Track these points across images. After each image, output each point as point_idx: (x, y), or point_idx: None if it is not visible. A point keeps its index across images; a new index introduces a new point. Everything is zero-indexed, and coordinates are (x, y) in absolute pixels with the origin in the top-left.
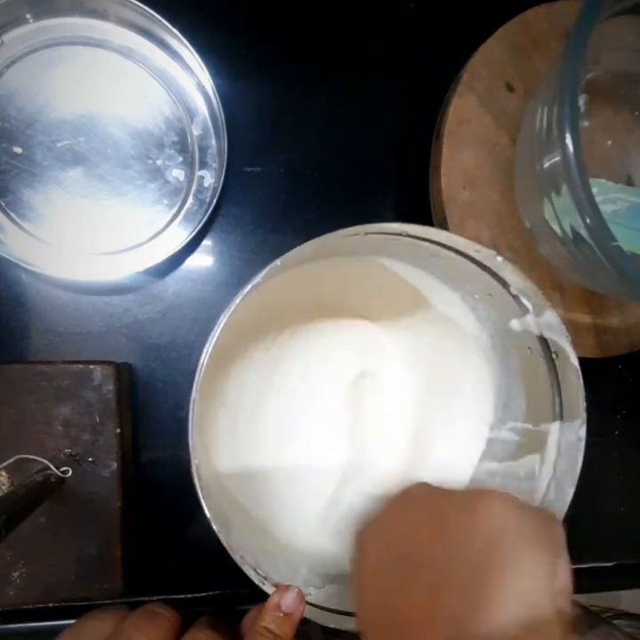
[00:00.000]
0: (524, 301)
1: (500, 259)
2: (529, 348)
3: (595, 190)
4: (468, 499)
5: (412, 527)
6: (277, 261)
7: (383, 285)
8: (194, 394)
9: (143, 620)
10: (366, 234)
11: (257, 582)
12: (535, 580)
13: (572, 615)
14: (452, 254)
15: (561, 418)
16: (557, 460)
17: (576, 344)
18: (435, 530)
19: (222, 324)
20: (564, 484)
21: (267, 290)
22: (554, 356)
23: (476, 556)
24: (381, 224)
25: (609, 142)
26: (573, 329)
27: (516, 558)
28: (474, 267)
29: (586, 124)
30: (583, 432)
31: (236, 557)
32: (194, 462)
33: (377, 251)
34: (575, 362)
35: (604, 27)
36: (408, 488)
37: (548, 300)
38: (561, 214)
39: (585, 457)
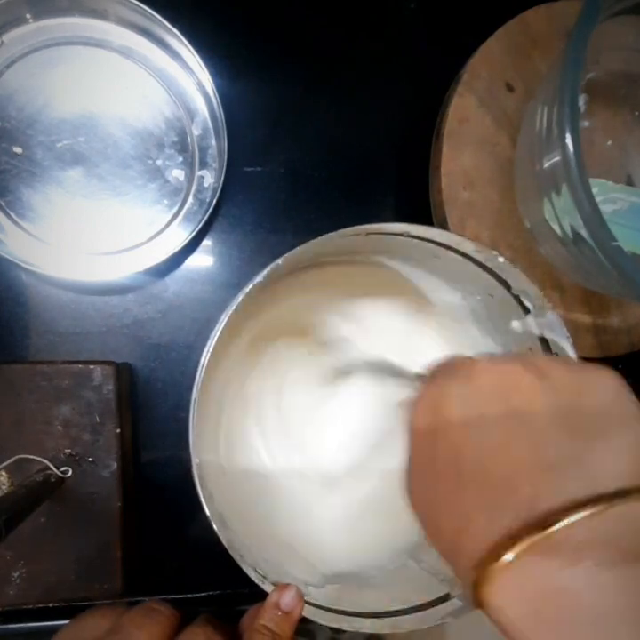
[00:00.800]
0: (525, 302)
1: (501, 259)
2: (530, 348)
3: (595, 190)
4: (578, 366)
5: (514, 383)
6: (279, 260)
7: (383, 285)
8: (195, 393)
9: (141, 617)
10: (368, 234)
11: (256, 581)
12: None
13: None
14: (453, 255)
15: None
16: None
17: (576, 344)
18: (542, 388)
19: (224, 323)
20: None
21: (267, 290)
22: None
23: (588, 412)
24: (383, 224)
25: (609, 142)
26: (573, 329)
27: (634, 420)
28: (475, 267)
29: (586, 123)
30: None
31: (236, 556)
32: (194, 461)
33: (378, 251)
34: None
35: (604, 27)
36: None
37: (548, 300)
38: (561, 214)
39: None
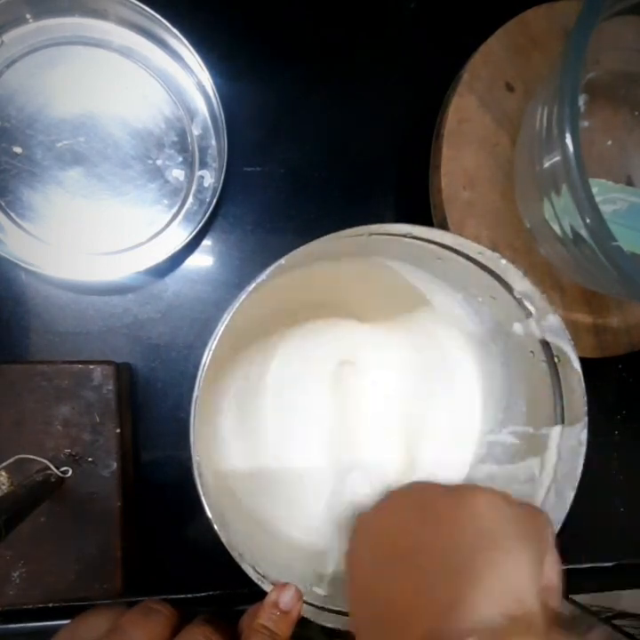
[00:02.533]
0: (527, 305)
1: (503, 261)
2: (531, 351)
3: (595, 190)
4: (457, 493)
5: (402, 520)
6: (282, 260)
7: (383, 285)
8: (196, 392)
9: (140, 616)
10: (370, 234)
11: (256, 580)
12: (520, 576)
13: (561, 612)
14: (455, 256)
15: (562, 422)
16: (558, 464)
17: (576, 344)
18: (424, 522)
19: (226, 322)
20: (565, 488)
21: (266, 291)
22: (556, 359)
23: (463, 549)
24: (386, 225)
25: (609, 142)
26: (573, 329)
27: (502, 553)
28: (477, 269)
29: (586, 124)
30: (584, 436)
31: (235, 555)
32: (195, 459)
33: (379, 251)
34: (577, 366)
35: (604, 27)
36: (402, 485)
37: (549, 301)
38: (561, 214)
39: (585, 457)
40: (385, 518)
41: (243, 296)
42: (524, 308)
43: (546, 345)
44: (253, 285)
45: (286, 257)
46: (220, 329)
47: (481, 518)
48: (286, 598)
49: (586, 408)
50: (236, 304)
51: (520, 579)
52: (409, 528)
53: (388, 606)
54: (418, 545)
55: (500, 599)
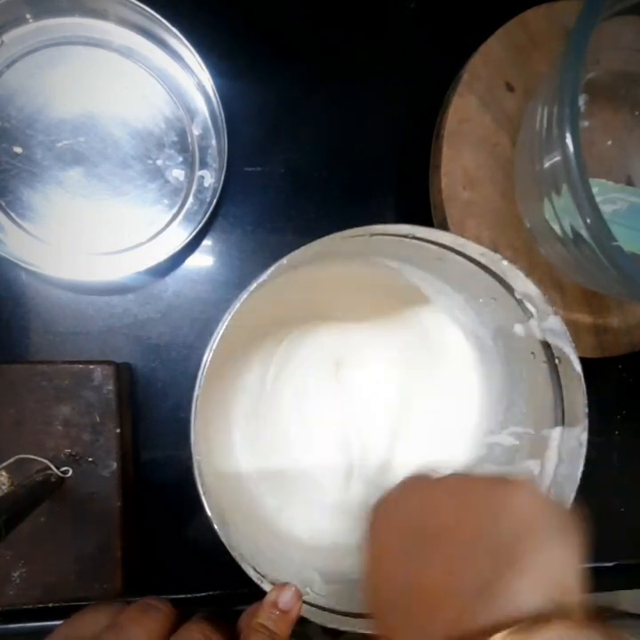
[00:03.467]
0: (528, 306)
1: (504, 262)
2: (532, 352)
3: (595, 190)
4: (495, 481)
5: (434, 504)
6: (284, 260)
7: (384, 286)
8: (197, 391)
9: (139, 613)
10: (372, 235)
11: (255, 580)
12: (563, 564)
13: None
14: (456, 257)
15: (562, 423)
16: (558, 466)
17: (576, 344)
18: (459, 506)
19: (227, 322)
20: (565, 489)
21: (266, 291)
22: (557, 361)
23: (505, 534)
24: (387, 225)
25: (609, 142)
26: (574, 329)
27: (544, 540)
28: (478, 270)
29: (586, 123)
30: (584, 438)
31: (235, 555)
32: (195, 459)
33: (380, 251)
34: (578, 368)
35: (604, 27)
36: (423, 471)
37: (549, 301)
38: (561, 214)
39: (585, 457)
40: (413, 502)
41: (244, 296)
42: (525, 309)
43: (547, 346)
44: (254, 285)
45: (287, 257)
46: (222, 329)
47: (521, 506)
48: (286, 598)
49: (586, 410)
50: (237, 304)
51: (563, 566)
52: (442, 510)
53: (417, 589)
54: (451, 527)
55: (542, 583)
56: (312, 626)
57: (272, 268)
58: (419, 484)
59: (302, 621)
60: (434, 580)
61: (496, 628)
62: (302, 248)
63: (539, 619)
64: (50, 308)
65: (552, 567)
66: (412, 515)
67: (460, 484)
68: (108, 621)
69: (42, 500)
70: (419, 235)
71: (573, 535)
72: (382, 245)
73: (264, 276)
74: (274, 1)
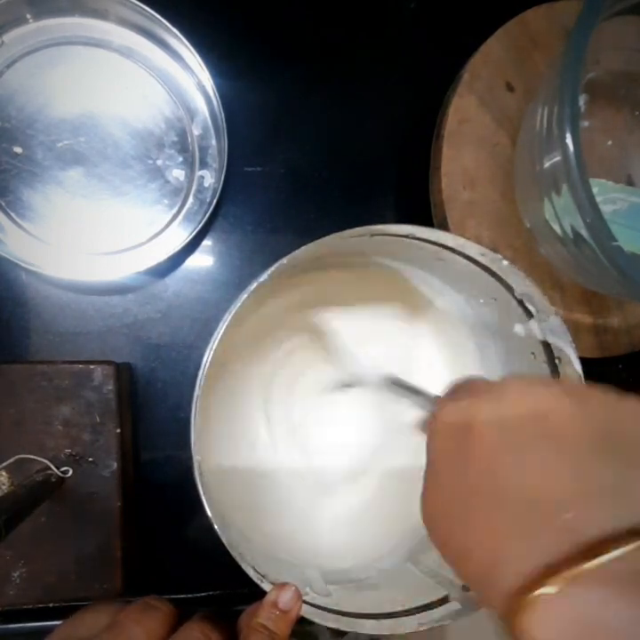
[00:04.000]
0: (529, 306)
1: (505, 262)
2: (532, 352)
3: (595, 190)
4: (616, 394)
5: (550, 406)
6: (284, 260)
7: (384, 286)
8: (197, 391)
9: (139, 613)
10: (372, 235)
11: (255, 580)
12: None
13: None
14: (457, 257)
15: None
16: None
17: (576, 344)
18: (577, 408)
19: (227, 322)
20: None
21: (266, 292)
22: (557, 361)
23: (630, 442)
24: (388, 225)
25: (609, 142)
26: (574, 329)
27: None
28: (479, 270)
29: (586, 124)
30: None
31: (235, 554)
32: (196, 458)
33: (381, 252)
34: (578, 368)
35: (604, 27)
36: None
37: (549, 301)
38: (561, 214)
39: None
40: (517, 401)
41: (244, 296)
42: (526, 309)
43: (547, 346)
44: (255, 285)
45: (288, 257)
46: (222, 328)
47: None
48: (286, 598)
49: None
50: (238, 304)
51: None
52: (557, 410)
53: (531, 491)
54: (571, 427)
55: None
56: (318, 625)
57: (272, 268)
58: (519, 383)
59: (308, 622)
60: (555, 479)
61: (621, 537)
62: (302, 248)
63: None
64: (50, 308)
65: None
66: (516, 411)
67: (577, 388)
68: (107, 621)
69: (42, 500)
70: (419, 235)
71: None
72: (382, 245)
73: (264, 276)
74: (274, 1)
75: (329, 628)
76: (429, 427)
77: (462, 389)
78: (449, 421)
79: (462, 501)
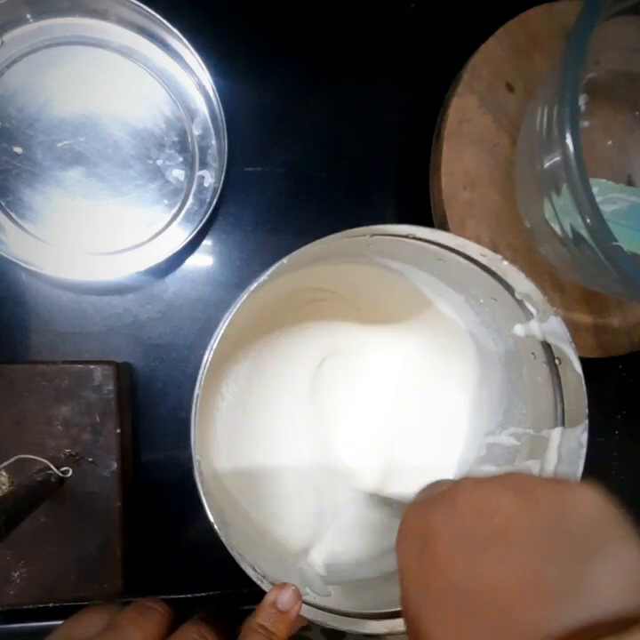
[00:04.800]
0: (529, 307)
1: (505, 263)
2: (532, 353)
3: (595, 190)
4: (559, 482)
5: (495, 502)
6: (285, 260)
7: (384, 286)
8: (197, 390)
9: (136, 614)
10: (373, 235)
11: (255, 580)
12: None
13: None
14: (457, 258)
15: (562, 424)
16: (558, 466)
17: (576, 344)
18: (524, 504)
19: (228, 322)
20: None
21: (267, 292)
22: (557, 362)
23: (577, 532)
24: (388, 225)
25: (609, 142)
26: (574, 329)
27: (622, 540)
28: (479, 270)
29: (586, 124)
30: (585, 438)
31: (235, 554)
32: (196, 458)
33: (381, 252)
34: (578, 368)
35: (604, 27)
36: (476, 475)
37: (549, 301)
38: (561, 214)
39: (585, 457)
40: (466, 499)
41: (245, 296)
42: (526, 310)
43: (547, 347)
44: (255, 285)
45: (288, 257)
46: (222, 328)
47: (590, 505)
48: (285, 598)
49: (586, 410)
50: (238, 303)
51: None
52: (504, 508)
53: (485, 589)
54: (518, 525)
55: (624, 581)
56: (311, 625)
57: (273, 268)
58: (469, 483)
59: (305, 628)
60: (507, 579)
61: (588, 632)
62: (303, 248)
63: (620, 622)
64: (50, 308)
65: (631, 566)
66: (467, 513)
67: (521, 481)
68: (105, 623)
69: (42, 500)
70: (419, 235)
71: None
72: (383, 246)
73: (265, 276)
74: (274, 1)
75: (323, 631)
76: (398, 534)
77: (427, 492)
78: (410, 527)
79: (432, 604)
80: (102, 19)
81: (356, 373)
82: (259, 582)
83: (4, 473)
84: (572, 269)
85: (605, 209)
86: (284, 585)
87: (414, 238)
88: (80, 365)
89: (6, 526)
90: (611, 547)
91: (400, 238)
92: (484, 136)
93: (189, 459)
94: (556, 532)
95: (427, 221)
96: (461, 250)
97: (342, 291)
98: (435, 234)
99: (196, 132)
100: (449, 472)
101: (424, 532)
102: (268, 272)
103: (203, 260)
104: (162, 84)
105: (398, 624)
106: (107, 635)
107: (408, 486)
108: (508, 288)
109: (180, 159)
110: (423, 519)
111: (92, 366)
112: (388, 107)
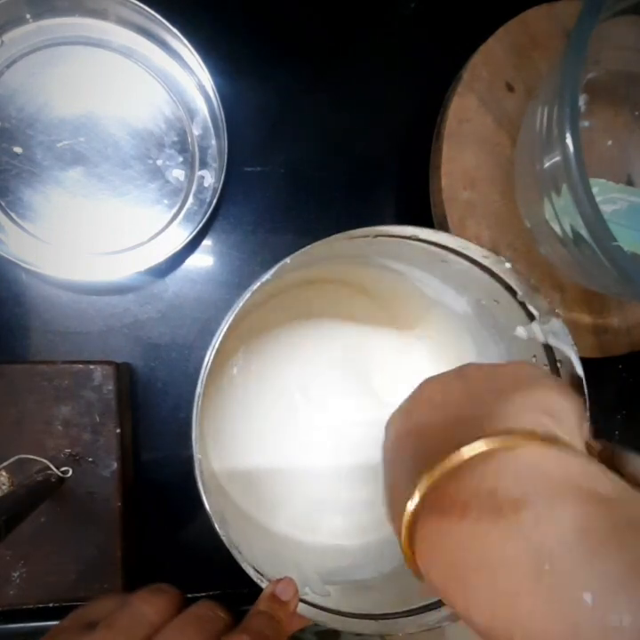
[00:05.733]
0: (531, 309)
1: (508, 265)
2: (534, 355)
3: (595, 190)
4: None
5: (445, 382)
6: (287, 259)
7: (385, 286)
8: (199, 389)
9: (148, 594)
10: (375, 236)
11: (255, 580)
12: (563, 406)
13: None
14: (460, 259)
15: None
16: None
17: (576, 344)
18: (464, 380)
19: (229, 321)
20: None
21: (267, 292)
22: (558, 364)
23: (510, 382)
24: (391, 226)
25: (609, 142)
26: (573, 329)
27: (547, 387)
28: (481, 272)
29: (586, 123)
30: None
31: (235, 554)
32: (196, 457)
33: (382, 252)
34: (580, 371)
35: (604, 27)
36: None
37: (549, 301)
38: (561, 214)
39: None
40: (423, 387)
41: (246, 295)
42: (528, 311)
43: (548, 349)
44: (257, 284)
45: (291, 257)
46: (224, 327)
47: (522, 370)
48: (282, 588)
49: (588, 413)
50: (240, 303)
51: (560, 406)
52: (450, 385)
53: (433, 429)
54: (460, 390)
55: (533, 409)
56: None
57: (275, 268)
58: (424, 381)
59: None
60: (445, 417)
61: (475, 440)
62: (306, 248)
63: (524, 435)
64: (50, 308)
65: (547, 402)
66: (423, 395)
67: (457, 368)
68: (117, 606)
69: (42, 500)
70: (422, 236)
71: (576, 398)
72: (384, 246)
73: (267, 276)
74: (274, 1)
75: (317, 634)
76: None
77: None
78: (388, 428)
79: (397, 451)
80: (102, 19)
81: (355, 373)
82: (259, 582)
83: (3, 473)
84: (571, 269)
85: (605, 209)
86: (280, 579)
87: (417, 239)
88: (80, 365)
89: (6, 526)
90: (534, 387)
91: (402, 239)
92: (484, 136)
93: (189, 458)
94: (483, 395)
95: (426, 221)
96: (464, 251)
97: (348, 295)
98: (437, 235)
99: (196, 131)
100: None
101: (397, 425)
102: (271, 271)
103: (203, 259)
104: (162, 84)
105: (398, 625)
106: (121, 611)
107: None
108: (510, 290)
109: (180, 159)
110: (395, 419)
111: (91, 366)
112: (388, 106)
